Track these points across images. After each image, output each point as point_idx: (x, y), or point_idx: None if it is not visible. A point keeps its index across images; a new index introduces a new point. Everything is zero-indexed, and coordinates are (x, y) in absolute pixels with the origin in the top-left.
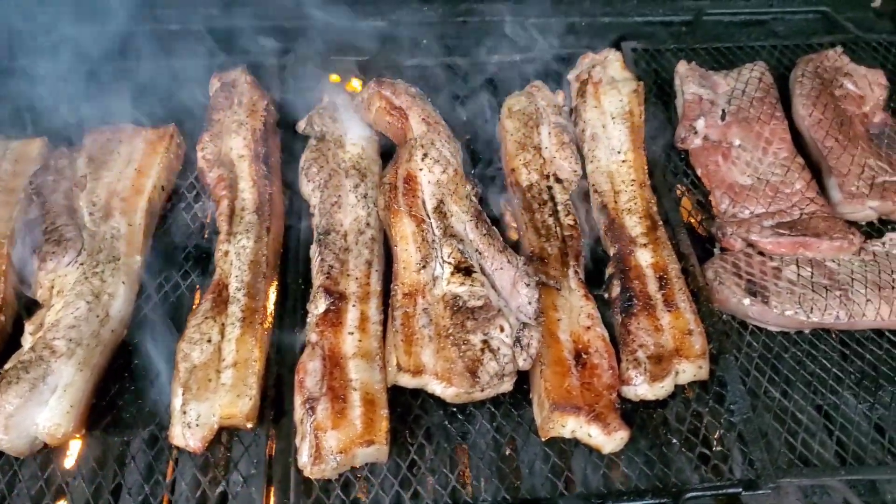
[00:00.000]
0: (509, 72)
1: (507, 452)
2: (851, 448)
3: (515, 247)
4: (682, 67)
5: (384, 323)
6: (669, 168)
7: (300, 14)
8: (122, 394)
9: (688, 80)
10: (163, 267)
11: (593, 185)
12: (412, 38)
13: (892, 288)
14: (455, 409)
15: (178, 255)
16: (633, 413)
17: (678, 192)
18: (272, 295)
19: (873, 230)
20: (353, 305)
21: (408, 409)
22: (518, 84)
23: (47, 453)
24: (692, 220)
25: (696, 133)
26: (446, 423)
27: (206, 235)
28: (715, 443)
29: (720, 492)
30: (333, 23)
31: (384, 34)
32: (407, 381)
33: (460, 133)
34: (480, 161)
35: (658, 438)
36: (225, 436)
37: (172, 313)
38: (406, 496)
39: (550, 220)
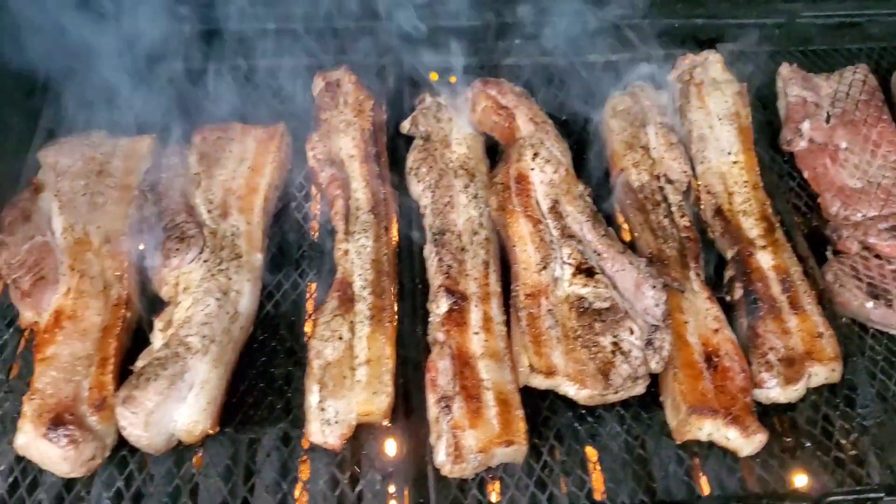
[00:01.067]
0: (604, 73)
1: (640, 454)
2: None
3: (630, 248)
4: (784, 70)
5: (507, 324)
6: (774, 170)
7: (395, 14)
8: (250, 391)
9: (791, 83)
10: (279, 266)
11: (706, 187)
12: (505, 38)
13: None
14: (584, 411)
15: (293, 254)
16: (763, 416)
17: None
18: (394, 293)
19: None
20: (476, 305)
21: (536, 410)
22: (613, 86)
23: (180, 451)
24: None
25: (801, 135)
26: (576, 424)
27: (316, 234)
28: (849, 447)
29: (862, 496)
30: (427, 23)
31: (477, 34)
32: (539, 382)
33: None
34: (584, 162)
35: (790, 442)
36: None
37: (293, 311)
38: (543, 497)
39: (666, 222)
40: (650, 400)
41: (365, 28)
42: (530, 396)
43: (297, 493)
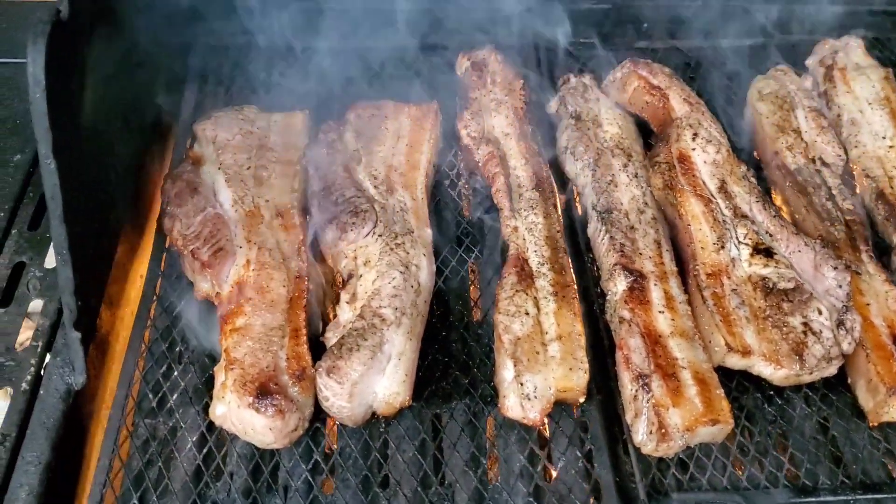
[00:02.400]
0: (737, 56)
1: (833, 436)
2: None
3: None
4: None
5: (689, 303)
6: None
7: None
8: (434, 366)
9: None
10: (441, 242)
11: (864, 171)
12: (635, 20)
13: None
14: (772, 392)
15: (454, 230)
16: None
17: None
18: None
19: None
20: (655, 284)
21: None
22: (749, 69)
23: (370, 425)
24: None
25: None
26: (765, 405)
27: (468, 212)
28: None
29: None
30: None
31: (608, 16)
32: (735, 362)
33: None
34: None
35: None
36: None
37: (462, 287)
38: (742, 478)
39: (829, 204)
40: (836, 382)
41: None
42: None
43: (495, 468)
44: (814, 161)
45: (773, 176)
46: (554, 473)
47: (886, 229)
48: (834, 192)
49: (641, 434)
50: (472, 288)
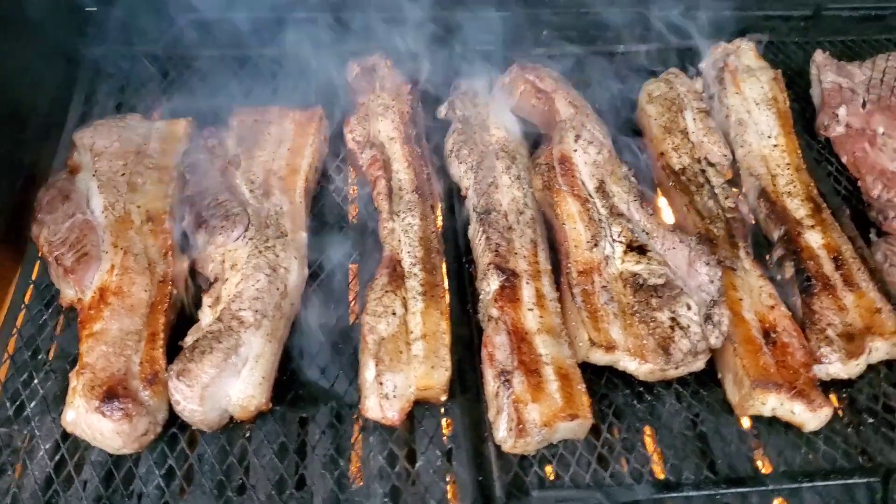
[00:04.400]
0: (634, 62)
1: (700, 431)
2: None
3: None
4: (819, 56)
5: (559, 300)
6: (811, 155)
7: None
8: (299, 369)
9: (825, 69)
10: (319, 245)
11: (748, 169)
12: (534, 28)
13: None
14: (641, 389)
15: (334, 234)
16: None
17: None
18: (444, 271)
19: None
20: (527, 282)
21: (591, 388)
22: (644, 74)
23: (230, 429)
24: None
25: (838, 121)
26: (634, 402)
27: (354, 216)
28: None
29: None
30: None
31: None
32: (599, 356)
33: None
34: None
35: (854, 418)
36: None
37: (337, 290)
38: (605, 474)
39: (711, 203)
40: (706, 378)
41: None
42: (586, 374)
43: (353, 470)
44: (699, 161)
45: (658, 176)
46: (413, 473)
47: (768, 226)
48: (717, 190)
49: (502, 431)
50: (350, 290)
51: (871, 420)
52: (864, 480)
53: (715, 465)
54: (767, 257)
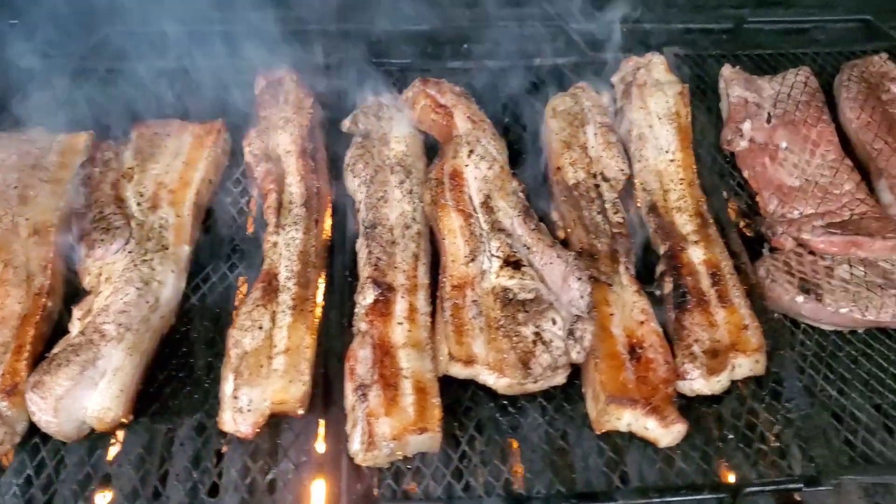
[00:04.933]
0: (551, 76)
1: (560, 446)
2: None
3: (563, 244)
4: (726, 71)
5: (432, 315)
6: (715, 170)
7: (344, 17)
8: (169, 382)
9: (733, 84)
10: (210, 258)
11: (641, 184)
12: (454, 41)
13: None
14: (506, 402)
15: (225, 248)
16: (688, 409)
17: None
18: (321, 285)
19: None
20: (402, 296)
21: (458, 400)
22: (561, 87)
23: (94, 439)
24: (739, 221)
25: (742, 135)
26: (497, 415)
27: (251, 229)
28: (773, 439)
29: (780, 487)
30: (377, 25)
31: (427, 38)
32: (458, 370)
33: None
34: (523, 161)
35: (713, 434)
36: (275, 423)
37: (220, 303)
38: (458, 487)
39: (599, 218)
40: (573, 392)
41: (314, 30)
42: (453, 387)
43: (208, 482)
44: (595, 176)
45: (553, 190)
46: (264, 486)
47: (655, 240)
48: (608, 205)
49: (356, 444)
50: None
51: (731, 436)
52: (715, 496)
53: (571, 480)
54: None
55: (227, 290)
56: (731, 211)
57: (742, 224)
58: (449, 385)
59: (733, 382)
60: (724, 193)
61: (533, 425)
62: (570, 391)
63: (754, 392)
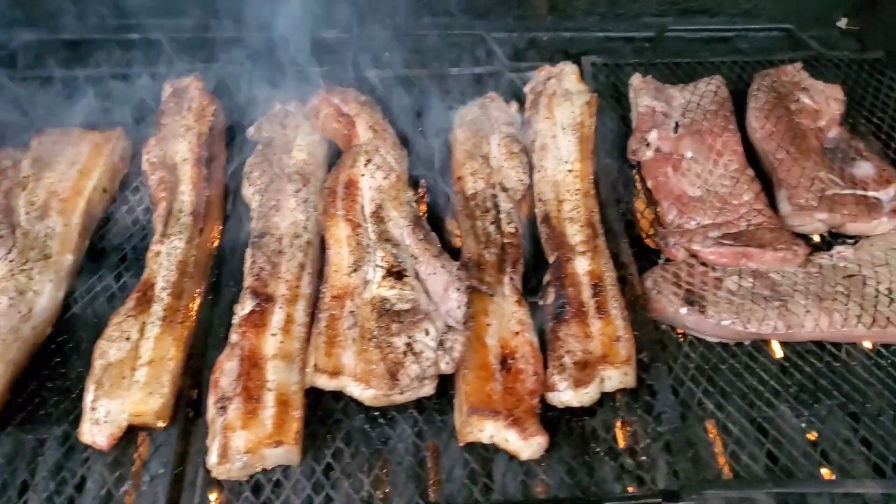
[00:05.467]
0: (469, 85)
1: (426, 458)
2: (782, 461)
3: (458, 254)
4: (636, 80)
5: (311, 326)
6: (621, 180)
7: (262, 24)
8: (39, 392)
9: (641, 93)
10: (98, 268)
11: (538, 195)
12: (375, 50)
13: (834, 299)
14: (377, 414)
15: (115, 257)
16: (559, 421)
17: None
18: (198, 296)
19: (825, 244)
20: (280, 307)
21: (329, 412)
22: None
23: None
24: (642, 232)
25: (647, 145)
26: (367, 427)
27: (144, 238)
28: (640, 452)
29: (639, 502)
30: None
31: (347, 45)
32: (324, 382)
33: (417, 143)
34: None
35: (582, 447)
36: (138, 435)
37: (102, 313)
38: (317, 500)
39: (491, 228)
40: (447, 403)
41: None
42: (325, 399)
43: (67, 493)
44: (494, 186)
45: (454, 200)
46: (118, 497)
47: (547, 251)
48: (502, 216)
49: (213, 456)
50: None
51: (598, 450)
52: None
53: (435, 493)
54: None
55: (111, 299)
56: (645, 221)
57: (645, 235)
58: (322, 396)
59: (610, 395)
60: (626, 204)
61: (402, 437)
62: (444, 402)
63: (628, 404)
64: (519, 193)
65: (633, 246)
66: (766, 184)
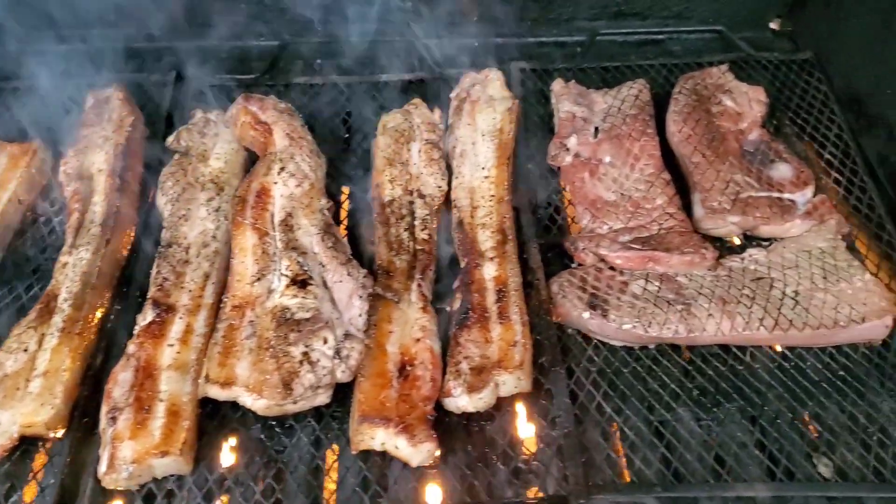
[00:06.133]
0: (397, 91)
1: (321, 466)
2: (674, 466)
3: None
4: (557, 86)
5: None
6: (544, 185)
7: (188, 33)
8: None
9: (562, 99)
10: (10, 279)
11: (454, 201)
12: (306, 57)
13: (738, 302)
14: (274, 423)
15: (28, 268)
16: (457, 427)
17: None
18: (101, 306)
19: (742, 248)
20: (181, 317)
21: (226, 421)
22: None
23: None
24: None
25: (567, 150)
26: (262, 436)
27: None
28: (532, 457)
29: None
30: (224, 42)
31: (276, 53)
32: (216, 392)
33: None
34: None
35: (477, 452)
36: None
37: (7, 325)
38: None
39: (405, 235)
40: (345, 411)
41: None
42: (224, 409)
43: None
44: (411, 193)
45: (373, 207)
46: None
47: (459, 256)
48: (417, 222)
49: (104, 466)
50: None
51: (492, 455)
52: None
53: (325, 501)
54: None
55: (20, 311)
56: (576, 226)
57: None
58: (220, 406)
59: (509, 399)
60: (545, 210)
61: (298, 445)
62: (343, 410)
63: (527, 409)
64: (436, 200)
65: (551, 251)
66: (685, 188)
